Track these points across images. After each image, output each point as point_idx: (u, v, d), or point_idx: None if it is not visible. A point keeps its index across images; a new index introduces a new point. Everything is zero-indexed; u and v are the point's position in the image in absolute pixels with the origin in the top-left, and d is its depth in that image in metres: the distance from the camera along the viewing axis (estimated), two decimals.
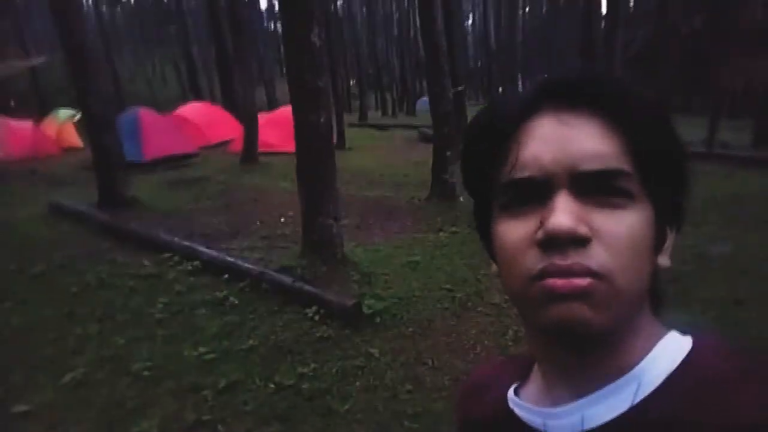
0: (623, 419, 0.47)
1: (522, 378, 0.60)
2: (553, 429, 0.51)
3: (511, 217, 0.49)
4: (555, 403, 0.52)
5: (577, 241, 0.45)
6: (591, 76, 0.49)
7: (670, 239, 0.52)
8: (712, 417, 0.43)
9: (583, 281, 0.44)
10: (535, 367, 0.58)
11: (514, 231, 0.48)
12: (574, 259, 0.45)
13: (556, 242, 0.45)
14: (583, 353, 0.50)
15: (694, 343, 0.50)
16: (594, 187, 0.46)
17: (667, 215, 0.50)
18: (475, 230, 0.57)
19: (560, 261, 0.45)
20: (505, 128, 0.50)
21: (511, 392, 0.59)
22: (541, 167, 0.48)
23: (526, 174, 0.48)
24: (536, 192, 0.48)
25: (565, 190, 0.46)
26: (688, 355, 0.49)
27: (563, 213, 0.45)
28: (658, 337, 0.51)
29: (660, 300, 0.54)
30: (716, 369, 0.46)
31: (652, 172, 0.47)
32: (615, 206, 0.46)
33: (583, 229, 0.45)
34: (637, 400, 0.47)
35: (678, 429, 0.44)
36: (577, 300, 0.44)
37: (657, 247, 0.49)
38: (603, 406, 0.48)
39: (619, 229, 0.45)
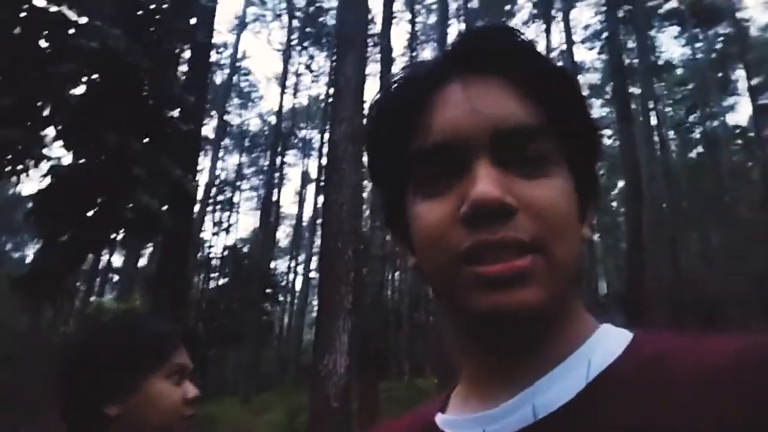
0: (580, 400, 0.43)
1: (443, 408, 0.54)
2: (498, 430, 0.45)
3: (429, 196, 0.46)
4: (493, 406, 0.46)
5: (505, 213, 0.42)
6: (497, 40, 0.47)
7: (591, 211, 0.50)
8: (675, 377, 0.41)
9: (522, 261, 0.42)
10: (456, 391, 0.54)
11: (434, 210, 0.45)
12: (503, 233, 0.42)
13: (482, 215, 0.42)
14: (521, 338, 0.46)
15: (634, 330, 0.47)
16: (515, 151, 0.44)
17: (585, 185, 0.48)
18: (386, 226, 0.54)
19: (489, 236, 0.42)
20: (414, 98, 0.47)
21: (438, 416, 0.52)
22: (457, 131, 0.45)
23: (440, 139, 0.45)
24: (454, 162, 0.45)
25: (485, 157, 0.44)
26: (634, 337, 0.46)
27: (488, 181, 0.42)
28: (595, 323, 0.49)
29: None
30: (667, 343, 0.44)
31: (569, 138, 0.46)
32: (537, 174, 0.44)
33: (509, 199, 0.42)
34: (591, 377, 0.43)
35: (640, 398, 0.41)
36: (516, 281, 0.42)
37: (580, 218, 0.47)
38: (556, 390, 0.44)
39: (545, 196, 0.43)
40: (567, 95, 0.47)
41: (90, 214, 6.77)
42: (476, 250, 0.42)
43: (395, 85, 0.50)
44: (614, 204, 28.24)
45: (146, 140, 6.91)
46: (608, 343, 0.46)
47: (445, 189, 0.45)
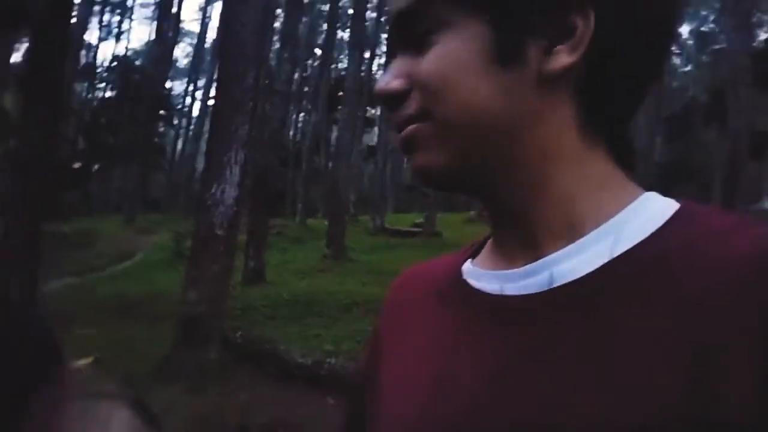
0: (598, 275, 0.42)
1: (476, 253, 0.54)
2: (513, 291, 0.46)
3: None
4: (514, 265, 0.47)
5: (397, 98, 0.47)
6: None
7: (549, 37, 0.43)
8: (706, 262, 0.39)
9: (408, 130, 0.47)
10: (489, 241, 0.53)
11: None
12: (398, 112, 0.47)
13: (384, 103, 0.48)
14: (495, 207, 0.49)
15: (681, 202, 0.45)
16: (409, 33, 0.47)
17: (520, 22, 0.44)
18: None
19: (394, 117, 0.48)
20: None
21: (466, 263, 0.53)
22: (389, 32, 0.50)
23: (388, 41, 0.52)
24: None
25: (399, 49, 0.48)
26: (677, 212, 0.43)
27: (385, 75, 0.48)
28: (635, 194, 0.46)
29: (621, 144, 0.47)
30: (711, 223, 0.42)
31: None
32: (426, 48, 0.45)
33: (393, 84, 0.47)
34: (618, 251, 0.42)
35: (662, 287, 0.39)
36: (409, 149, 0.48)
37: (503, 57, 0.44)
38: (576, 261, 0.43)
39: (426, 67, 0.45)
40: None
41: None
42: (395, 128, 0.49)
43: None
44: None
45: None
46: (645, 216, 0.44)
47: None
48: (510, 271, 0.47)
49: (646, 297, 0.40)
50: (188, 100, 33.86)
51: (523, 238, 0.47)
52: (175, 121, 28.03)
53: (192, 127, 32.86)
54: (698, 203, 0.46)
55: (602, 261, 0.42)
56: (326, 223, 14.78)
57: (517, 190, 0.46)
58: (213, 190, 5.49)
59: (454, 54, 0.44)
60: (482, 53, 0.43)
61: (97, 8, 27.35)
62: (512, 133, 0.44)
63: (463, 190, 0.50)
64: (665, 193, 0.47)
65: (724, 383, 0.35)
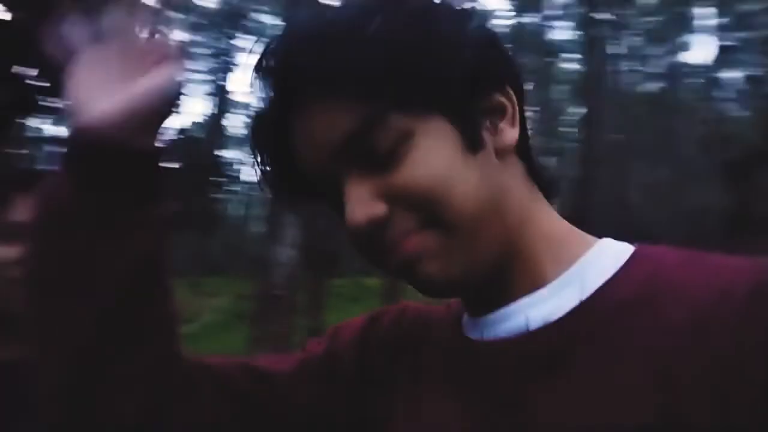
0: (572, 317, 0.45)
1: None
2: (494, 334, 0.49)
3: (334, 206, 0.49)
4: (488, 311, 0.50)
5: (381, 222, 0.44)
6: (310, 61, 0.44)
7: (502, 117, 0.47)
8: (668, 298, 0.42)
9: (414, 243, 0.44)
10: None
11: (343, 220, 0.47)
12: (391, 233, 0.44)
13: (365, 234, 0.44)
14: (469, 293, 0.51)
15: (636, 245, 0.49)
16: (366, 154, 0.44)
17: (469, 112, 0.46)
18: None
19: (382, 238, 0.45)
20: (271, 130, 0.49)
21: (465, 315, 0.55)
22: (313, 166, 0.47)
23: (308, 170, 0.47)
24: (331, 185, 0.47)
25: (347, 176, 0.45)
26: (634, 253, 0.47)
27: (355, 205, 0.44)
28: (591, 239, 0.50)
29: (548, 186, 0.52)
30: (666, 259, 0.45)
31: (414, 97, 0.44)
32: (396, 162, 0.44)
33: (378, 209, 0.44)
34: (586, 294, 0.45)
35: (634, 319, 0.42)
36: (413, 261, 0.45)
37: (472, 145, 0.45)
38: (549, 306, 0.46)
39: (408, 181, 0.43)
40: (406, 66, 0.43)
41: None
42: (382, 248, 0.46)
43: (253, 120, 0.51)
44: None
45: None
46: (605, 260, 0.47)
47: (341, 199, 0.46)
48: (486, 317, 0.49)
49: (621, 331, 0.42)
50: (242, 166, 35.22)
51: (491, 292, 0.49)
52: (231, 188, 29.17)
53: (246, 192, 34.04)
54: (651, 244, 0.48)
55: (573, 304, 0.45)
56: (380, 281, 14.79)
57: (497, 261, 0.47)
58: (272, 251, 5.71)
59: (436, 156, 0.44)
60: (455, 148, 0.44)
61: None
62: (498, 212, 0.46)
63: (471, 288, 0.49)
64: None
65: (728, 395, 0.37)
